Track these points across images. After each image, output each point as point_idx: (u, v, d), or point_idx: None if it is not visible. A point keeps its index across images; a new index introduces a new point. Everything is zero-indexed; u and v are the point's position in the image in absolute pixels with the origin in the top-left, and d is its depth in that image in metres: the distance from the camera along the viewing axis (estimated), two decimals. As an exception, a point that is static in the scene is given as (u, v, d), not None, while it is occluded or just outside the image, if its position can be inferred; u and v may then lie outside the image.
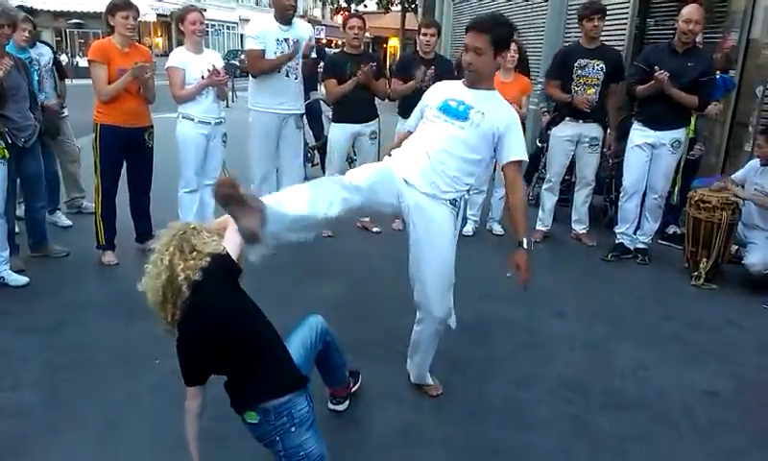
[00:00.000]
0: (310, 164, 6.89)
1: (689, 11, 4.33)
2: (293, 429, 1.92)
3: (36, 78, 4.58)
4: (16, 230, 4.16)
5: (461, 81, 2.69)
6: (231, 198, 1.97)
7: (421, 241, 2.53)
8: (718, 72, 5.18)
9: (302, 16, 8.06)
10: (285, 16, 4.50)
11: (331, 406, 2.63)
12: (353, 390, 2.72)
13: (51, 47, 5.14)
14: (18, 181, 4.00)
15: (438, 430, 2.56)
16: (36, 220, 4.16)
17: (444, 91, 2.68)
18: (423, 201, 2.49)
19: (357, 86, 4.77)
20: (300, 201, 2.24)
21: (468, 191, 2.64)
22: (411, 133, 2.77)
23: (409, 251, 2.60)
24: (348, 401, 2.67)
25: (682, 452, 2.51)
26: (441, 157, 2.50)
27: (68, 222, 4.95)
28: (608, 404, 2.81)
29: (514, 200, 2.59)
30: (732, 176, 4.49)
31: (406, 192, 2.51)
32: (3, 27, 3.57)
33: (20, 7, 4.19)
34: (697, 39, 4.73)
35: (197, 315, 1.90)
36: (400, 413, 2.67)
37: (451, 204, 2.54)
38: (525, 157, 2.61)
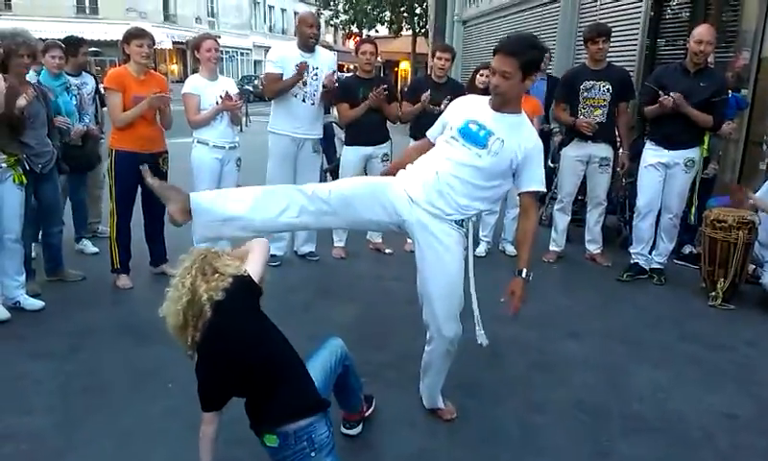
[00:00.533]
0: (323, 187, 6.92)
1: (701, 31, 4.32)
2: (312, 455, 1.90)
3: (75, 103, 4.72)
4: (33, 254, 4.21)
5: (487, 99, 2.59)
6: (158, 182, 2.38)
7: (426, 259, 2.50)
8: (730, 91, 5.16)
9: (325, 47, 8.12)
10: (307, 44, 4.58)
11: (344, 430, 2.60)
12: (367, 414, 2.69)
13: (95, 76, 5.30)
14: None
15: (451, 455, 2.53)
16: (52, 245, 4.20)
17: (466, 111, 2.59)
18: (426, 218, 2.45)
19: (369, 110, 4.82)
20: (240, 202, 2.38)
21: (476, 215, 2.61)
22: (431, 143, 2.70)
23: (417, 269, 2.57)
24: (361, 426, 2.64)
25: (703, 477, 2.45)
26: (450, 180, 2.45)
27: (95, 249, 4.96)
28: (626, 428, 2.76)
29: (524, 226, 2.58)
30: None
31: (408, 209, 2.47)
32: (23, 57, 3.65)
33: (41, 39, 4.26)
34: (709, 60, 4.73)
35: (218, 335, 1.91)
36: (414, 437, 2.63)
37: (457, 224, 2.50)
38: (543, 188, 2.57)
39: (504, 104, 2.51)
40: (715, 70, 4.55)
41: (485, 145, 2.47)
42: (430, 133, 2.77)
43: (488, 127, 2.50)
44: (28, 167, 3.74)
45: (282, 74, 4.54)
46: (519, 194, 2.58)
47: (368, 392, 2.74)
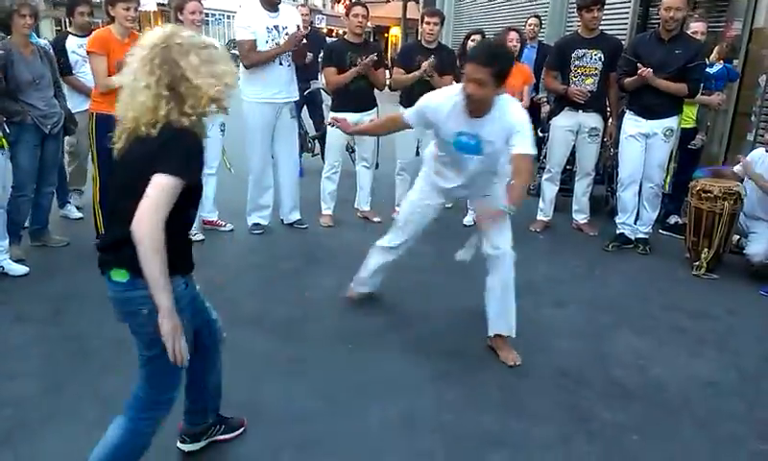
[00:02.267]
0: (310, 154, 6.87)
1: None
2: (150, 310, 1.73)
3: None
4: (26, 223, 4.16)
5: (460, 101, 2.78)
6: None
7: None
8: (722, 61, 5.14)
9: (303, 5, 7.98)
10: (271, 3, 4.43)
11: (179, 444, 2.25)
12: (221, 438, 2.32)
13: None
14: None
15: (436, 419, 2.56)
16: (41, 205, 4.16)
17: (451, 122, 2.83)
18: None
19: (357, 76, 4.74)
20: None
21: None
22: (407, 123, 3.08)
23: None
24: (203, 442, 2.29)
25: (681, 442, 2.50)
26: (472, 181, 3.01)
27: (79, 214, 4.92)
28: (607, 394, 2.80)
29: (517, 180, 2.71)
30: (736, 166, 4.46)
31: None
32: (25, 17, 3.61)
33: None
34: (701, 29, 4.70)
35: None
36: (399, 401, 2.66)
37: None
38: (531, 152, 2.74)
39: (480, 109, 2.75)
40: (690, 37, 4.51)
41: (480, 151, 2.84)
42: (408, 117, 3.06)
43: (477, 135, 2.80)
44: (36, 127, 3.79)
45: (256, 40, 4.39)
46: (512, 155, 2.75)
47: (354, 357, 2.74)
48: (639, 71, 4.30)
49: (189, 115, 1.75)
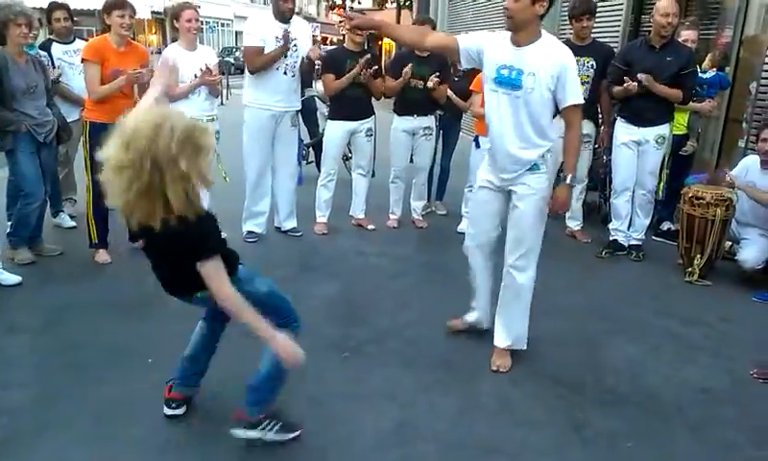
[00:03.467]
0: (305, 162, 6.88)
1: (665, 4, 4.32)
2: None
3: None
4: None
5: (508, 35, 2.74)
6: None
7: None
8: (714, 69, 5.19)
9: (297, 13, 8.02)
10: (284, 16, 4.48)
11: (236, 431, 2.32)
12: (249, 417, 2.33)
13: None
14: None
15: (430, 428, 2.55)
16: (37, 215, 4.13)
17: (493, 55, 2.76)
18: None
19: (354, 84, 4.76)
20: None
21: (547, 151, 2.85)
22: (459, 51, 2.88)
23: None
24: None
25: (675, 448, 2.51)
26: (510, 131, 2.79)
27: (72, 223, 4.91)
28: (601, 401, 2.81)
29: (569, 137, 2.81)
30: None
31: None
32: (21, 26, 3.63)
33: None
34: (690, 36, 4.73)
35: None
36: (393, 411, 2.66)
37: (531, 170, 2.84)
38: (581, 100, 2.77)
39: (518, 28, 2.67)
40: (680, 44, 4.55)
41: (519, 84, 2.70)
42: (461, 39, 2.91)
43: (516, 66, 2.70)
44: (32, 136, 3.81)
45: (264, 47, 4.45)
46: (562, 109, 2.77)
47: (348, 365, 2.73)
48: (626, 84, 4.34)
49: (192, 203, 1.89)
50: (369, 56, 4.78)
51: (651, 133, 4.51)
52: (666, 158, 4.71)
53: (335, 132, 4.99)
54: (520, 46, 2.71)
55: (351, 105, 4.88)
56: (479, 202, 3.12)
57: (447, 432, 2.53)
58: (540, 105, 2.74)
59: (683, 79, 4.36)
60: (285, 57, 4.47)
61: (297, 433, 2.39)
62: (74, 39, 4.90)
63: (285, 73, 4.53)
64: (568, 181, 2.84)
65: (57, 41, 4.84)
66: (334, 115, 5.00)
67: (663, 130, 4.53)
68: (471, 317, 3.28)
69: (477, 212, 3.16)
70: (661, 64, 4.36)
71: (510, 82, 2.73)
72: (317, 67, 4.93)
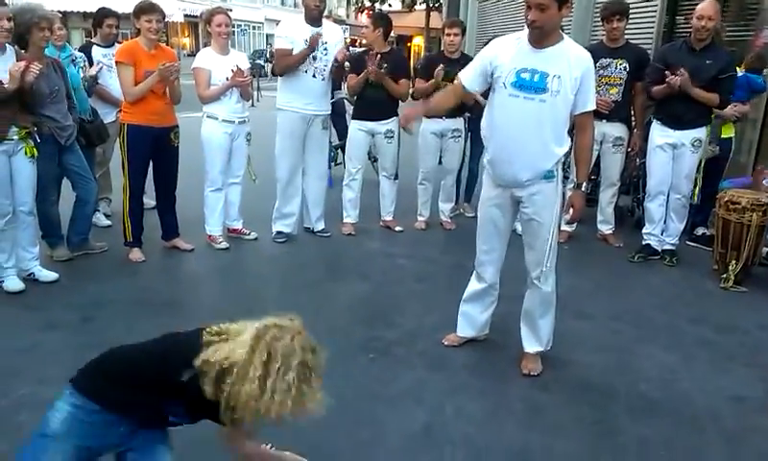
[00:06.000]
0: (333, 163, 6.91)
1: (703, 6, 4.24)
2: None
3: (82, 75, 4.71)
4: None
5: (522, 36, 2.66)
6: None
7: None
8: (744, 70, 5.05)
9: (327, 17, 8.07)
10: (312, 16, 4.53)
11: None
12: None
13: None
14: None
15: (456, 431, 2.54)
16: (85, 216, 4.25)
17: (511, 60, 2.64)
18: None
19: (376, 85, 4.76)
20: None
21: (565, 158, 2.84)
22: (467, 89, 2.86)
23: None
24: None
25: (708, 458, 2.46)
26: (527, 136, 2.67)
27: (107, 222, 5.02)
28: (633, 408, 2.76)
29: (580, 143, 2.78)
30: None
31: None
32: (44, 30, 3.68)
33: (59, 12, 4.33)
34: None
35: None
36: (420, 413, 2.66)
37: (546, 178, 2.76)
38: (593, 107, 2.71)
39: (544, 37, 2.57)
40: (721, 47, 4.44)
41: (545, 88, 2.58)
42: (465, 80, 2.83)
43: (539, 68, 2.58)
44: (54, 139, 3.85)
45: (293, 49, 4.50)
46: (577, 115, 2.71)
47: (375, 367, 2.73)
48: (669, 79, 4.24)
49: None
50: (378, 54, 4.76)
51: (687, 136, 4.42)
52: (702, 162, 4.61)
53: (356, 132, 5.04)
54: (543, 48, 2.60)
55: (373, 105, 4.90)
56: (488, 220, 2.96)
57: (475, 436, 2.52)
58: (565, 108, 2.66)
59: (720, 83, 4.27)
60: (314, 60, 4.51)
61: None
62: (113, 43, 5.02)
63: (315, 76, 4.57)
64: (582, 188, 2.82)
65: (98, 45, 4.98)
66: (356, 115, 5.05)
67: (700, 133, 4.44)
68: (469, 333, 3.21)
69: (489, 231, 2.99)
70: (700, 67, 4.26)
71: (533, 85, 2.60)
72: (346, 70, 4.97)
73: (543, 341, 3.02)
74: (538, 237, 2.83)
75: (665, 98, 4.41)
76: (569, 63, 2.58)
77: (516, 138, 2.69)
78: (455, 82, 2.96)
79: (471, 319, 3.18)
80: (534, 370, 2.98)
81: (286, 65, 4.54)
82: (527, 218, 2.84)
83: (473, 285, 3.15)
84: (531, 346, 3.02)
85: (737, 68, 4.73)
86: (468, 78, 2.82)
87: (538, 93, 2.60)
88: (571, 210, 2.87)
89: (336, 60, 4.59)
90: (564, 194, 2.89)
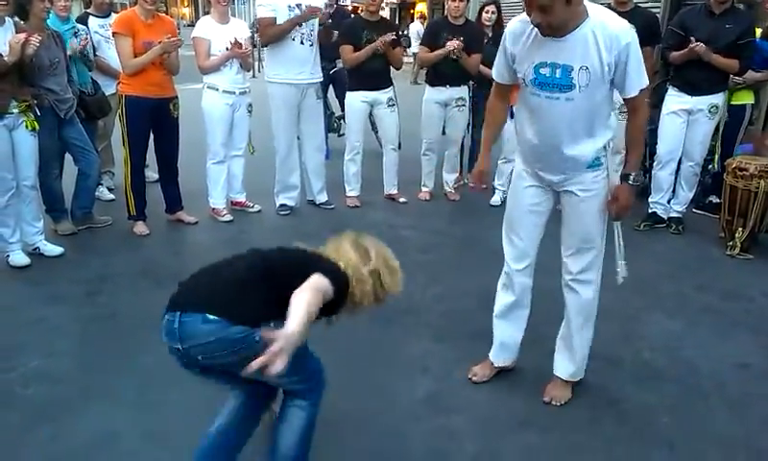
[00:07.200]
0: (336, 134, 6.85)
1: None
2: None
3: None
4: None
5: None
6: None
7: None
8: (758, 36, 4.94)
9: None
10: None
11: None
12: None
13: None
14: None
15: (464, 400, 2.56)
16: (88, 188, 4.22)
17: (527, 52, 2.20)
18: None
19: (373, 55, 4.67)
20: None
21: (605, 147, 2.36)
22: (503, 85, 2.45)
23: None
24: None
25: (713, 424, 2.47)
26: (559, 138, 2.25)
27: (111, 196, 5.02)
28: (637, 375, 2.77)
29: (633, 124, 2.36)
30: None
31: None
32: (44, 1, 3.65)
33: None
34: None
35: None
36: (426, 382, 2.67)
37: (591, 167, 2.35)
38: (647, 82, 2.21)
39: (558, 31, 2.09)
40: (742, 11, 4.34)
41: (570, 85, 2.13)
42: (497, 76, 2.43)
43: (560, 61, 2.13)
44: (53, 112, 3.82)
45: (276, 18, 4.35)
46: (625, 99, 2.27)
47: (381, 336, 2.74)
48: (692, 45, 4.16)
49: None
50: (393, 35, 4.68)
51: (704, 101, 4.34)
52: (721, 129, 4.53)
53: (355, 103, 4.92)
54: (563, 35, 2.10)
55: (370, 75, 4.80)
56: (524, 203, 2.48)
57: (480, 404, 2.54)
58: (600, 101, 2.20)
59: (740, 48, 4.17)
60: (300, 25, 4.37)
61: None
62: (110, 13, 4.95)
63: (302, 43, 4.43)
64: (630, 180, 2.33)
65: (93, 15, 4.90)
66: (353, 86, 4.92)
67: (717, 99, 4.36)
68: (500, 361, 2.74)
69: (520, 215, 2.51)
70: (719, 31, 4.17)
71: (555, 82, 2.15)
72: (334, 36, 4.82)
73: (577, 363, 2.60)
74: (579, 232, 2.46)
75: (683, 63, 4.33)
76: (599, 49, 2.08)
77: (545, 143, 2.29)
78: (493, 93, 2.55)
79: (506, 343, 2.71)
80: (559, 398, 2.56)
81: (273, 35, 4.37)
82: (568, 210, 2.46)
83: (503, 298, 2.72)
84: (564, 370, 2.60)
85: (756, 30, 4.62)
86: (498, 73, 2.42)
87: (563, 92, 2.15)
88: (617, 209, 2.42)
89: (319, 22, 4.45)
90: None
